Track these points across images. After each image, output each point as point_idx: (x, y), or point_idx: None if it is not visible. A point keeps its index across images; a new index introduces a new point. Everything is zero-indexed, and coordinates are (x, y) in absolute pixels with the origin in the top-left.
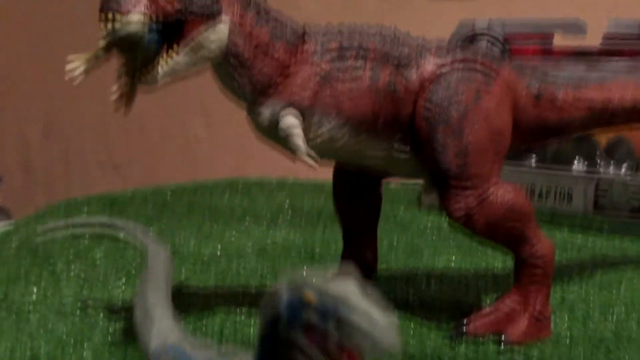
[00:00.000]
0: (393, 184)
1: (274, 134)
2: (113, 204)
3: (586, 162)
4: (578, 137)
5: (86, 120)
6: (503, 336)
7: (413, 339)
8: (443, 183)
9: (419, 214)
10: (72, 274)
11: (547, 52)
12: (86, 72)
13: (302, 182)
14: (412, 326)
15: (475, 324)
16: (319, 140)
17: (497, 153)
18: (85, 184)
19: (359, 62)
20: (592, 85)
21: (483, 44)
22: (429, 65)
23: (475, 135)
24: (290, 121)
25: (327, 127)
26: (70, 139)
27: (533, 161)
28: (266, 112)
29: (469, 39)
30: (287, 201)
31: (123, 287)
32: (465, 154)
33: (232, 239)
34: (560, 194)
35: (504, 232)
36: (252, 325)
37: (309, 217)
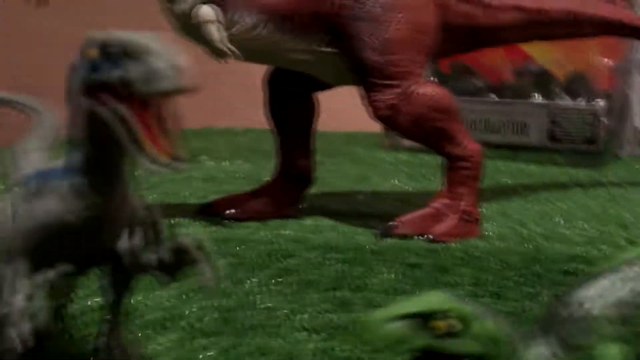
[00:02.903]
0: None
1: (191, 26)
2: None
3: (543, 97)
4: (537, 73)
5: None
6: (427, 234)
7: (341, 236)
8: (366, 81)
9: (379, 152)
10: None
11: None
12: None
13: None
14: (340, 228)
15: (403, 224)
16: (239, 36)
17: (420, 51)
18: None
19: None
20: None
21: None
22: None
23: (396, 32)
24: (206, 11)
25: (248, 23)
26: None
27: (493, 97)
28: (184, 4)
29: None
30: (248, 144)
31: None
32: (386, 50)
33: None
34: (515, 126)
35: (429, 130)
36: None
37: (268, 155)
